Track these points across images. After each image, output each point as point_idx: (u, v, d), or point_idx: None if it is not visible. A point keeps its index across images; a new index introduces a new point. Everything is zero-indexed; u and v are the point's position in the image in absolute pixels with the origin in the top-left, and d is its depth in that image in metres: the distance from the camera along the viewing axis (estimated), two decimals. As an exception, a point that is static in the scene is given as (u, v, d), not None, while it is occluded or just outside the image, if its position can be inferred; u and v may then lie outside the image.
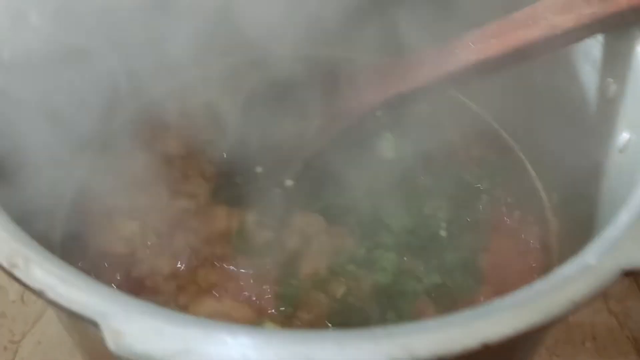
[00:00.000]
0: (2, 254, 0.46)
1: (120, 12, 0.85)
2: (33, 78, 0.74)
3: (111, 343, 0.40)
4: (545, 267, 0.84)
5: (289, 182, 0.81)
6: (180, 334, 0.41)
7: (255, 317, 0.77)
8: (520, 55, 0.68)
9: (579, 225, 0.77)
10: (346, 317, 0.78)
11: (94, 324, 0.42)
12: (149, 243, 0.82)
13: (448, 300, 0.82)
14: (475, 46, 0.70)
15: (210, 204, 0.85)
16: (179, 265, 0.81)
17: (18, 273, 0.45)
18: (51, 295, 0.44)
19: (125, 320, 0.42)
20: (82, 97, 0.85)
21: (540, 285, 0.46)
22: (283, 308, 0.77)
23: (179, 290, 0.79)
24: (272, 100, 0.90)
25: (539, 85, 0.85)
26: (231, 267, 0.80)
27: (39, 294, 0.45)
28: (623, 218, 0.51)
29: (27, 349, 0.92)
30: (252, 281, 0.79)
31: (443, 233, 0.86)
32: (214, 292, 0.78)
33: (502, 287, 0.85)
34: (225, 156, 0.90)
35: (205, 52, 0.95)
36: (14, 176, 0.73)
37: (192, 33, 0.88)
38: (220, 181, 0.87)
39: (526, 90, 0.87)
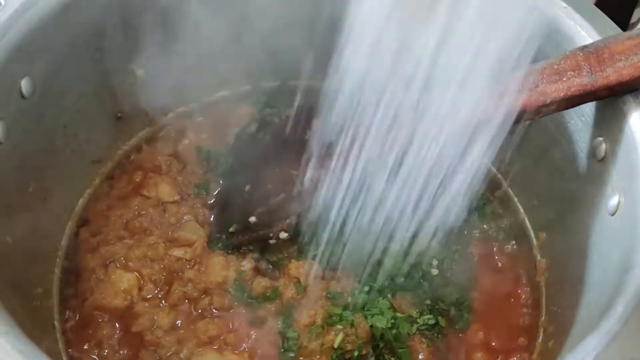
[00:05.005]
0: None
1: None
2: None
3: None
4: (534, 303, 0.87)
5: (283, 235, 0.81)
6: None
7: (257, 370, 0.79)
8: (509, 119, 0.69)
9: (568, 269, 0.79)
10: (345, 363, 0.80)
11: None
12: (147, 296, 0.83)
13: (441, 337, 0.85)
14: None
15: (206, 253, 0.85)
16: (178, 318, 0.82)
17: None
18: None
19: None
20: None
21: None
22: (285, 358, 0.79)
23: (180, 343, 0.80)
24: (264, 144, 0.89)
25: (528, 127, 0.85)
26: (230, 318, 0.82)
27: None
28: (619, 309, 0.53)
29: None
30: (252, 332, 0.81)
31: (435, 272, 0.88)
32: (215, 345, 0.80)
33: (493, 323, 0.89)
34: (217, 201, 0.90)
35: (194, 87, 0.94)
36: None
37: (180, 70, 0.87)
38: (215, 230, 0.87)
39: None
